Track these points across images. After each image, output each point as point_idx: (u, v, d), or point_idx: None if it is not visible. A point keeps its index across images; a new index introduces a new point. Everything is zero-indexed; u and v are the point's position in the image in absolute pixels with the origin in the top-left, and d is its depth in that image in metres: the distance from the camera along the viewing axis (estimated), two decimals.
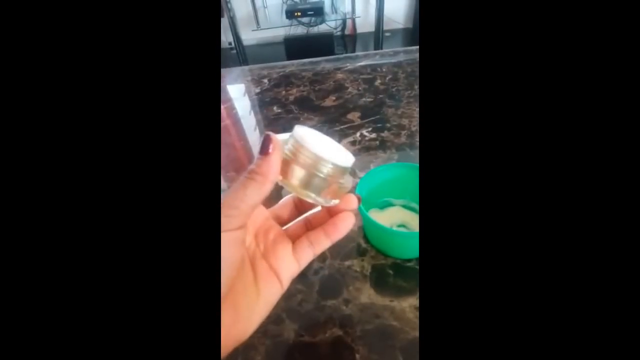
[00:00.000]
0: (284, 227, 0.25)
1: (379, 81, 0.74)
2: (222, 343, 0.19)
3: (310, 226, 0.25)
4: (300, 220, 0.25)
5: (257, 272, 0.22)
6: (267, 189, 0.20)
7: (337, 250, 0.38)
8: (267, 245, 0.23)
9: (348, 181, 0.23)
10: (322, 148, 0.21)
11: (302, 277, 0.35)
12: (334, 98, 0.70)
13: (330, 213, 0.24)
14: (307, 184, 0.21)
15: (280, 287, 0.22)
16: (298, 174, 0.21)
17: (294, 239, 0.24)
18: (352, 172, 0.50)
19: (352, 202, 0.23)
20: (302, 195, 0.22)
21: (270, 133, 0.20)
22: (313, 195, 0.21)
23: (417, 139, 0.55)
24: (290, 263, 0.23)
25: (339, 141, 0.57)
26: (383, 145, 0.55)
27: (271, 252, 0.23)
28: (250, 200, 0.19)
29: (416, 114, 0.62)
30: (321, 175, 0.21)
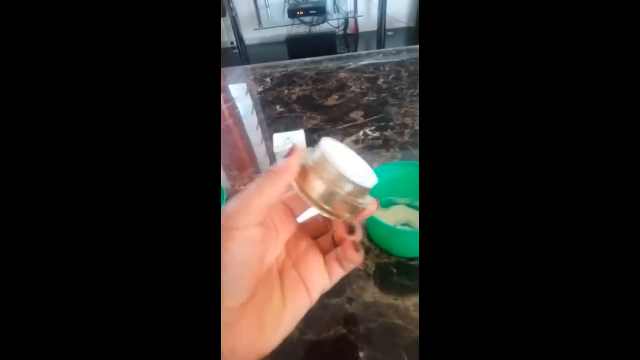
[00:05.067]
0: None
1: (381, 80, 0.74)
2: (244, 354, 0.19)
3: (338, 241, 0.24)
4: (329, 235, 0.25)
5: (285, 282, 0.21)
6: (280, 186, 0.19)
7: None
8: (297, 254, 0.23)
9: (367, 200, 0.22)
10: (346, 165, 0.20)
11: None
12: (336, 97, 0.70)
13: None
14: (325, 199, 0.21)
15: (308, 299, 0.21)
16: (318, 188, 0.21)
17: (325, 252, 0.23)
18: None
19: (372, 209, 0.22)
20: (318, 208, 0.21)
21: (296, 145, 0.21)
22: (329, 209, 0.21)
23: None
24: (320, 275, 0.22)
25: (342, 140, 0.57)
26: (386, 143, 0.55)
27: (302, 261, 0.22)
28: (264, 196, 0.19)
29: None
30: (341, 192, 0.21)
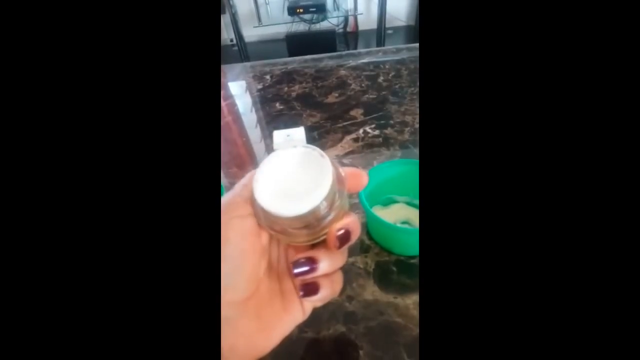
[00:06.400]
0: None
1: (382, 78, 0.74)
2: (243, 353, 0.18)
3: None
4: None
5: (284, 287, 0.21)
6: None
7: None
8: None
9: (343, 200, 0.19)
10: (281, 199, 0.17)
11: None
12: (336, 94, 0.70)
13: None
14: (284, 234, 0.19)
15: (301, 313, 0.21)
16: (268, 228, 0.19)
17: None
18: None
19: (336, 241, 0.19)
20: (286, 242, 0.20)
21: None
22: (293, 241, 0.19)
23: None
24: None
25: (342, 138, 0.57)
26: (386, 142, 0.55)
27: None
28: (249, 189, 0.19)
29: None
30: (291, 227, 0.18)
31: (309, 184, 0.18)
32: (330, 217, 0.19)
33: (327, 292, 0.20)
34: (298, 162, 0.19)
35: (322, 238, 0.19)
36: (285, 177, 0.19)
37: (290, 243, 0.20)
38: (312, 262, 0.19)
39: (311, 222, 0.18)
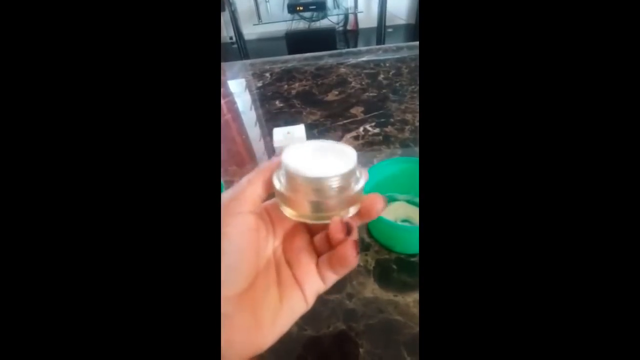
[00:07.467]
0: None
1: (382, 76, 0.74)
2: (240, 349, 0.18)
3: (334, 243, 0.22)
4: (325, 234, 0.22)
5: (281, 279, 0.21)
6: (267, 177, 0.20)
7: None
8: (292, 253, 0.22)
9: (360, 178, 0.21)
10: (316, 166, 0.19)
11: None
12: (336, 92, 0.69)
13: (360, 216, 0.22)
14: (318, 210, 0.20)
15: (304, 302, 0.21)
16: (304, 206, 0.20)
17: (320, 252, 0.22)
18: None
19: (378, 202, 0.21)
20: (318, 222, 0.20)
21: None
22: (329, 216, 0.20)
23: None
24: (313, 278, 0.21)
25: (342, 136, 0.57)
26: (387, 140, 0.55)
27: (295, 262, 0.21)
28: (254, 185, 0.20)
29: None
30: (330, 194, 0.19)
31: (337, 157, 0.20)
32: (358, 188, 0.20)
33: (357, 259, 0.21)
34: (319, 149, 0.21)
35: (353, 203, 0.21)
36: (313, 156, 0.20)
37: (310, 220, 0.21)
38: (351, 226, 0.21)
39: (344, 187, 0.20)
